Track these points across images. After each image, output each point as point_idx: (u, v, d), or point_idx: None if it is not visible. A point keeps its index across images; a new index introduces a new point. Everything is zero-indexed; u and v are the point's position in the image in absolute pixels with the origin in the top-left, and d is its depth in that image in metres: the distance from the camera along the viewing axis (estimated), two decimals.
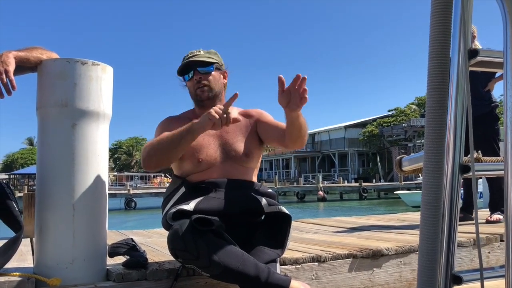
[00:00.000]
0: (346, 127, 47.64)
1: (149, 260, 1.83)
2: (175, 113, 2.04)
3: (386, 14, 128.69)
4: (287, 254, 1.93)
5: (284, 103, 1.65)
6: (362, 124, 46.95)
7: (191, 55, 1.91)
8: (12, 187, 1.80)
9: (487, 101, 3.53)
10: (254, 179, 1.96)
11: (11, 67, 1.53)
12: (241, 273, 1.55)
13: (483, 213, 3.52)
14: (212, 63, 1.90)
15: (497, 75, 3.52)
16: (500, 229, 2.72)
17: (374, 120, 45.88)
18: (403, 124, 41.53)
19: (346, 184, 35.29)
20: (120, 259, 1.83)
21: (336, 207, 24.37)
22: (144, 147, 1.83)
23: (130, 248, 1.79)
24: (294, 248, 2.16)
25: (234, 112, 2.00)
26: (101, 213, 1.70)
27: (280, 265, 1.83)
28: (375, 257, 2.12)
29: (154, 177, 46.10)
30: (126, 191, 28.48)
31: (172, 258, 1.78)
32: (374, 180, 38.52)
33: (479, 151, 1.64)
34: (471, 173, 0.77)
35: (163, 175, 45.71)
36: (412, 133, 41.07)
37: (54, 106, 1.65)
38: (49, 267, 1.61)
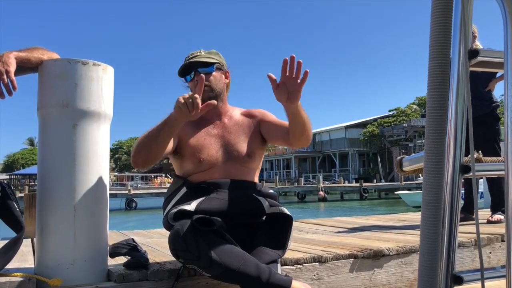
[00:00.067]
0: (346, 127, 47.61)
1: (150, 261, 1.83)
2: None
3: (386, 14, 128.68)
4: (288, 255, 1.93)
5: (284, 97, 1.63)
6: (363, 124, 46.93)
7: (192, 56, 1.91)
8: (12, 188, 1.80)
9: (488, 101, 3.53)
10: (256, 179, 1.96)
11: (12, 68, 1.53)
12: (242, 274, 1.55)
13: (484, 213, 3.52)
14: (212, 63, 1.90)
15: (498, 75, 3.52)
16: (501, 229, 2.72)
17: (375, 120, 45.86)
18: (404, 124, 41.51)
19: (346, 184, 35.28)
20: (121, 259, 1.83)
21: (336, 207, 24.36)
22: (133, 145, 1.83)
23: (131, 249, 1.79)
24: (295, 249, 2.16)
25: (236, 112, 2.00)
26: (102, 214, 1.70)
27: (281, 265, 1.83)
28: (376, 257, 2.12)
29: (155, 177, 46.08)
30: (127, 192, 28.49)
31: (173, 259, 1.78)
32: (374, 180, 38.50)
33: (480, 151, 1.64)
34: (471, 173, 0.77)
35: (163, 175, 45.71)
36: (412, 133, 41.05)
37: (55, 106, 1.65)
38: (50, 267, 1.62)
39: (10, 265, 1.69)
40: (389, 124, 43.48)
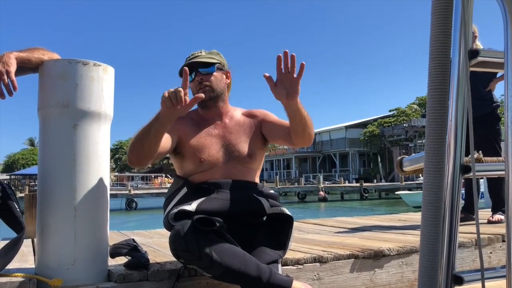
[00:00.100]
0: (347, 127, 47.60)
1: (151, 261, 1.83)
2: None
3: (386, 14, 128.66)
4: (288, 255, 1.93)
5: (283, 94, 1.63)
6: (363, 124, 46.92)
7: (192, 56, 1.91)
8: (13, 188, 1.80)
9: (488, 101, 3.52)
10: (257, 180, 1.96)
11: (13, 68, 1.53)
12: (243, 274, 1.55)
13: (485, 214, 3.52)
14: (213, 64, 1.89)
15: (498, 75, 3.52)
16: (502, 229, 2.72)
17: (375, 120, 45.85)
18: (404, 124, 41.50)
19: (347, 184, 35.27)
20: (122, 259, 1.83)
21: (337, 207, 24.36)
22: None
23: (131, 249, 1.79)
24: (295, 249, 2.16)
25: (238, 112, 2.00)
26: (102, 214, 1.70)
27: (282, 265, 1.83)
28: (377, 257, 2.12)
29: (155, 177, 46.10)
30: (127, 192, 28.48)
31: (173, 259, 1.78)
32: (375, 180, 38.51)
33: (480, 151, 1.64)
34: (472, 174, 0.77)
35: (164, 175, 45.72)
36: (413, 133, 41.04)
37: (55, 106, 1.65)
38: (50, 268, 1.62)
39: (10, 266, 1.69)
40: (390, 124, 43.47)
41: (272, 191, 1.95)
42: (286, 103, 1.66)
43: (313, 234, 2.92)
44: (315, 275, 1.96)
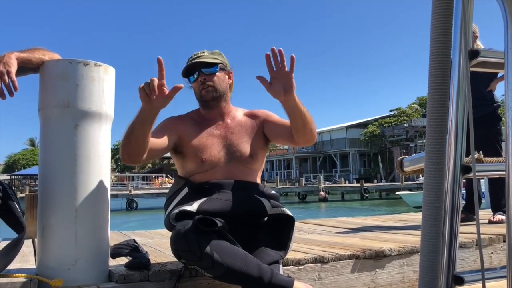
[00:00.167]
0: (347, 127, 47.61)
1: (151, 261, 1.83)
2: (175, 113, 2.03)
3: (387, 13, 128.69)
4: (289, 255, 1.93)
5: (280, 91, 1.64)
6: (364, 124, 46.92)
7: (195, 56, 1.91)
8: (13, 188, 1.80)
9: (489, 101, 3.52)
10: (258, 180, 1.96)
11: (13, 68, 1.53)
12: (244, 274, 1.55)
13: (486, 214, 3.52)
14: (216, 64, 1.90)
15: (499, 75, 3.52)
16: (503, 229, 2.71)
17: (376, 120, 45.85)
18: (405, 124, 41.50)
19: (347, 184, 35.27)
20: (123, 260, 1.83)
21: (337, 208, 24.36)
22: None
23: (132, 249, 1.79)
24: (296, 249, 2.16)
25: (239, 112, 2.00)
26: (103, 214, 1.70)
27: (283, 266, 1.83)
28: (378, 258, 2.12)
29: (155, 177, 46.11)
30: (128, 192, 28.50)
31: (174, 259, 1.78)
32: (375, 181, 38.52)
33: (480, 152, 1.64)
34: (472, 174, 0.77)
35: (164, 175, 45.73)
36: (413, 133, 41.03)
37: (56, 107, 1.65)
38: (51, 268, 1.62)
39: (11, 266, 1.69)
40: (390, 124, 43.47)
41: (273, 192, 1.95)
42: (284, 99, 1.67)
43: (314, 235, 2.92)
44: (316, 276, 1.96)
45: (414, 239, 2.50)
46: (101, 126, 1.70)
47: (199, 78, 1.88)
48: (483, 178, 4.57)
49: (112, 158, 1.84)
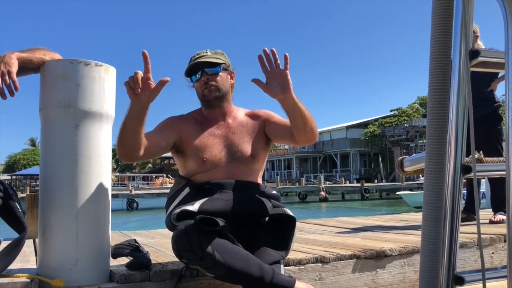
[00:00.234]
0: (347, 127, 47.59)
1: (152, 261, 1.83)
2: (175, 113, 2.04)
3: (387, 13, 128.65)
4: (290, 255, 1.93)
5: (277, 91, 1.65)
6: (364, 124, 46.91)
7: (198, 56, 1.91)
8: (14, 188, 1.80)
9: (490, 101, 3.52)
10: (259, 180, 1.96)
11: (14, 68, 1.53)
12: (245, 274, 1.55)
13: (487, 214, 3.51)
14: (219, 64, 1.90)
15: (500, 75, 3.52)
16: (504, 229, 2.71)
17: (376, 120, 45.83)
18: (405, 124, 41.48)
19: (348, 184, 35.26)
20: (124, 260, 1.84)
21: (337, 208, 24.36)
22: None
23: (133, 249, 1.80)
24: (297, 249, 2.16)
25: (241, 113, 2.01)
26: (104, 214, 1.70)
27: (284, 266, 1.83)
28: (379, 257, 2.12)
29: (156, 177, 46.12)
30: (128, 192, 28.48)
31: (175, 259, 1.78)
32: (376, 181, 38.51)
33: (481, 152, 1.64)
34: (472, 174, 0.77)
35: (165, 175, 45.74)
36: (414, 133, 41.01)
37: (57, 107, 1.66)
38: (52, 268, 1.62)
39: (12, 266, 1.69)
40: (390, 124, 43.46)
41: (274, 192, 1.95)
42: (283, 98, 1.68)
43: (315, 234, 2.92)
44: (317, 276, 1.96)
45: (415, 239, 2.50)
46: (102, 126, 1.70)
47: (202, 78, 1.88)
48: (483, 178, 4.57)
49: (112, 158, 1.84)
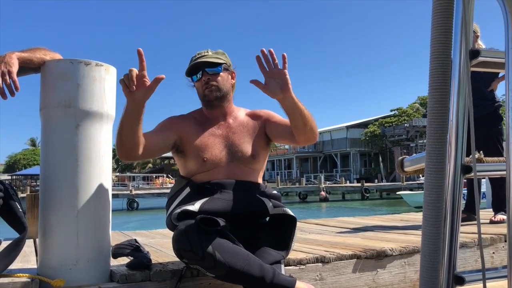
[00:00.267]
0: (348, 127, 47.59)
1: (153, 261, 1.83)
2: (175, 113, 2.04)
3: (387, 13, 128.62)
4: (291, 255, 1.93)
5: (277, 90, 1.66)
6: (364, 124, 46.91)
7: (199, 55, 1.91)
8: (14, 188, 1.80)
9: (490, 101, 3.52)
10: (260, 180, 1.96)
11: (14, 68, 1.54)
12: (246, 274, 1.55)
13: (487, 214, 3.51)
14: (220, 64, 1.90)
15: (500, 75, 3.51)
16: (504, 229, 2.71)
17: (376, 120, 45.84)
18: (405, 124, 41.48)
19: (348, 184, 35.26)
20: (124, 260, 1.84)
21: (338, 207, 24.36)
22: None
23: (134, 249, 1.80)
24: (297, 249, 2.16)
25: (242, 112, 2.01)
26: (104, 214, 1.70)
27: (284, 266, 1.83)
28: (379, 257, 2.12)
29: (156, 177, 46.14)
30: (128, 192, 28.47)
31: (176, 259, 1.78)
32: (376, 180, 38.51)
33: (481, 152, 1.64)
34: (473, 174, 0.77)
35: (165, 175, 45.75)
36: (414, 133, 41.01)
37: (57, 107, 1.66)
38: (52, 268, 1.62)
39: (13, 266, 1.69)
40: (391, 124, 43.45)
41: (275, 192, 1.95)
42: (282, 98, 1.68)
43: (315, 234, 2.92)
44: (317, 275, 1.96)
45: (415, 239, 2.50)
46: (103, 126, 1.70)
47: (203, 78, 1.88)
48: (484, 178, 4.57)
49: (113, 158, 1.84)
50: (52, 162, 1.66)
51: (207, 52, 1.93)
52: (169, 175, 45.31)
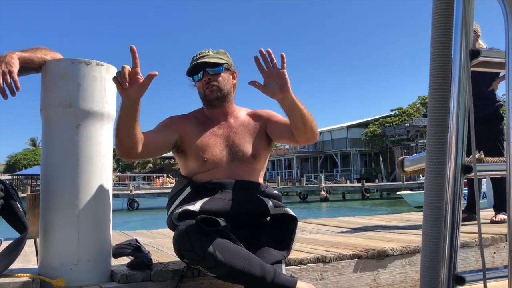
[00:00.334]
0: (348, 127, 47.58)
1: (154, 261, 1.83)
2: (176, 113, 2.04)
3: (387, 13, 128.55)
4: (291, 255, 1.93)
5: (276, 90, 1.66)
6: (364, 124, 46.90)
7: (200, 55, 1.91)
8: (15, 188, 1.80)
9: (491, 101, 3.52)
10: (261, 180, 1.96)
11: (15, 68, 1.54)
12: (247, 274, 1.55)
13: (488, 213, 3.51)
14: (221, 64, 1.90)
15: (501, 74, 3.51)
16: (505, 229, 2.71)
17: (377, 120, 45.83)
18: (406, 124, 41.47)
19: (348, 184, 35.25)
20: (125, 260, 1.84)
21: (338, 207, 24.35)
22: None
23: (134, 249, 1.80)
24: (298, 249, 2.16)
25: (243, 112, 2.01)
26: (105, 214, 1.70)
27: (285, 265, 1.83)
28: (380, 257, 2.12)
29: (156, 177, 46.17)
30: (129, 192, 28.48)
31: (176, 259, 1.78)
32: (376, 180, 38.50)
33: (481, 152, 1.64)
34: (473, 174, 0.77)
35: (165, 175, 45.77)
36: (414, 133, 41.00)
37: (58, 106, 1.66)
38: (53, 268, 1.62)
39: (13, 266, 1.70)
40: (391, 124, 43.44)
41: (275, 192, 1.95)
42: (281, 98, 1.68)
43: (316, 234, 2.92)
44: (318, 275, 1.97)
45: (416, 238, 2.50)
46: (103, 125, 1.70)
47: (204, 78, 1.88)
48: (484, 178, 4.56)
49: (113, 158, 1.83)
50: (53, 162, 1.66)
51: (208, 52, 1.92)
52: (170, 175, 45.35)
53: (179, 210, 1.71)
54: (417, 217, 3.98)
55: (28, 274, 1.58)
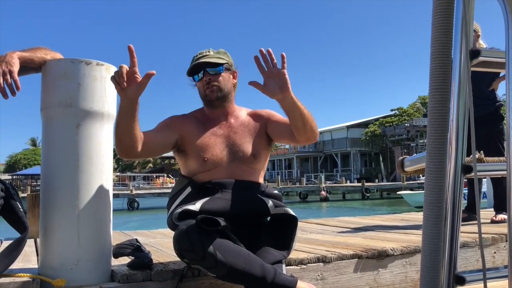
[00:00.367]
0: (348, 127, 47.58)
1: (154, 261, 1.83)
2: (176, 113, 2.04)
3: (387, 13, 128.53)
4: (292, 255, 1.93)
5: (276, 90, 1.66)
6: (365, 124, 46.90)
7: (200, 55, 1.91)
8: (15, 188, 1.80)
9: (491, 101, 3.52)
10: (261, 180, 1.96)
11: (15, 68, 1.54)
12: (247, 274, 1.55)
13: (488, 213, 3.51)
14: (221, 64, 1.90)
15: (501, 74, 3.51)
16: (506, 229, 2.71)
17: (377, 120, 45.83)
18: (406, 124, 41.46)
19: (348, 184, 35.25)
20: (125, 259, 1.84)
21: (338, 207, 24.35)
22: None
23: (135, 249, 1.80)
24: (299, 249, 2.16)
25: (243, 112, 2.01)
26: (105, 214, 1.70)
27: (286, 265, 1.83)
28: (381, 257, 2.12)
29: (156, 177, 46.18)
30: (129, 192, 28.48)
31: (177, 259, 1.78)
32: (376, 180, 38.51)
33: (481, 151, 1.64)
34: (473, 174, 0.77)
35: (165, 175, 45.78)
36: (414, 133, 41.00)
37: (58, 106, 1.66)
38: (54, 268, 1.62)
39: (13, 266, 1.70)
40: (391, 123, 43.43)
41: (276, 191, 1.95)
42: (281, 98, 1.68)
43: (316, 234, 2.92)
44: (318, 275, 1.97)
45: (416, 238, 2.50)
46: (103, 125, 1.71)
47: (204, 78, 1.88)
48: (484, 178, 4.56)
49: (113, 157, 1.83)
50: (53, 162, 1.66)
51: (209, 51, 1.92)
52: (170, 175, 45.36)
53: (179, 210, 1.71)
54: (417, 217, 3.98)
55: (28, 274, 1.58)
